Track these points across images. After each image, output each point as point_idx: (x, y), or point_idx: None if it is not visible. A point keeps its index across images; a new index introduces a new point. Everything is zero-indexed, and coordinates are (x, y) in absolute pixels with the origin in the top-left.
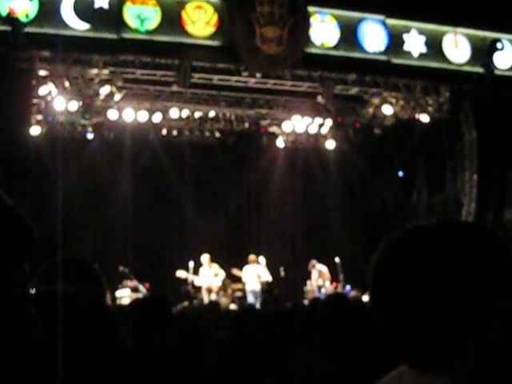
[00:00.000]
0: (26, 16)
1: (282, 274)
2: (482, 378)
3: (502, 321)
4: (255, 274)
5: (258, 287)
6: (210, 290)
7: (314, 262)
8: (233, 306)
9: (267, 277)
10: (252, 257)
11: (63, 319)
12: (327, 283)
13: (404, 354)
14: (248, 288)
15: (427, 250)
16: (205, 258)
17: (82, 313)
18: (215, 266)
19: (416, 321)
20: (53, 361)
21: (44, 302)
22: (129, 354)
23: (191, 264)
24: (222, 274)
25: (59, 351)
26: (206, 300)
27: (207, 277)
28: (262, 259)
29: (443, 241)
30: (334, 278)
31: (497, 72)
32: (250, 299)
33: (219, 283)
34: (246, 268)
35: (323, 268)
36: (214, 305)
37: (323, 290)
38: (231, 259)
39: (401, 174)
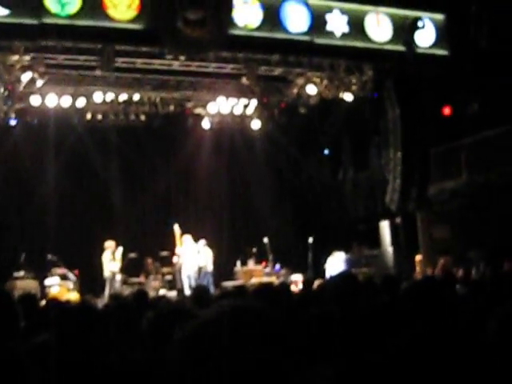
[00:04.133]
0: None
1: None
2: None
3: None
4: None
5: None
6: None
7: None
8: (163, 291)
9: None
10: None
11: None
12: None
13: None
14: None
15: None
16: (108, 243)
17: None
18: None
19: None
20: None
21: None
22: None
23: (120, 249)
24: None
25: None
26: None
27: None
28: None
29: None
30: (263, 258)
31: (418, 50)
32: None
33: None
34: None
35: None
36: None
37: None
38: (159, 242)
39: (327, 152)
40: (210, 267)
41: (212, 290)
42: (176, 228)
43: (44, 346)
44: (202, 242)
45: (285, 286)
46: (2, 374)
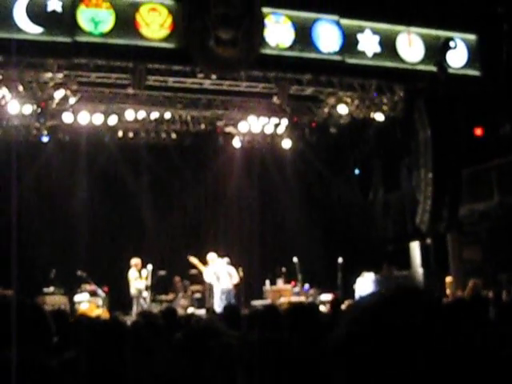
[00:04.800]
0: None
1: (241, 274)
2: None
3: None
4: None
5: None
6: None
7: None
8: (191, 310)
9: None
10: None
11: None
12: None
13: None
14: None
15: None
16: (134, 261)
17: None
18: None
19: None
20: None
21: None
22: None
23: (149, 267)
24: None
25: None
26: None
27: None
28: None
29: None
30: (292, 278)
31: (450, 70)
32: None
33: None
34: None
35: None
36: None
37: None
38: (188, 260)
39: (357, 171)
40: (230, 285)
41: None
42: (192, 259)
43: (74, 361)
44: (226, 260)
45: (314, 305)
46: None
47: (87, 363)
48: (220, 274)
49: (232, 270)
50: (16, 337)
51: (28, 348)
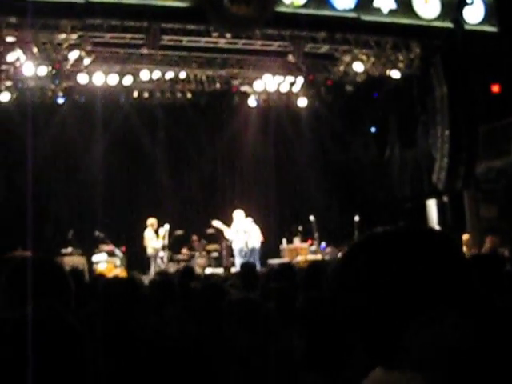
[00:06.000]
0: None
1: None
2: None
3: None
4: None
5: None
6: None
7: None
8: (209, 269)
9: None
10: None
11: (29, 347)
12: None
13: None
14: None
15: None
16: (150, 221)
17: (47, 339)
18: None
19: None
20: None
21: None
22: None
23: (167, 226)
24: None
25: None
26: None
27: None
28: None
29: (402, 250)
30: (309, 236)
31: (466, 27)
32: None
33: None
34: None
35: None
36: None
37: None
38: (206, 219)
39: (373, 129)
40: (257, 244)
41: (258, 267)
42: (215, 223)
43: (92, 318)
44: (249, 219)
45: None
46: (62, 344)
47: (103, 321)
48: (246, 233)
49: (257, 229)
50: (37, 293)
51: (49, 304)
